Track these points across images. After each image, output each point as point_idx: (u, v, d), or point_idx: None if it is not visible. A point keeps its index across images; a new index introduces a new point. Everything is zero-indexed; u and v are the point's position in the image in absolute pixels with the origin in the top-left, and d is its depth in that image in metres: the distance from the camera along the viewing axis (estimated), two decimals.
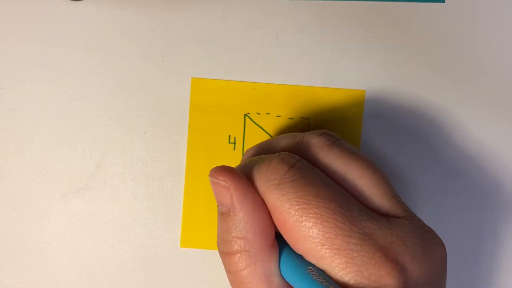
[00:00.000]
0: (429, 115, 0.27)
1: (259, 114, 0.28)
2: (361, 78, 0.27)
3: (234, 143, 0.28)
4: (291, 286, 0.20)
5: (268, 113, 0.28)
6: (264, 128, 0.28)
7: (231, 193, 0.20)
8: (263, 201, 0.20)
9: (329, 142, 0.22)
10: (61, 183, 0.28)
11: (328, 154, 0.21)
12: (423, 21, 0.27)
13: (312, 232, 0.18)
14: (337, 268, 0.18)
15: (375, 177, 0.21)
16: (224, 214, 0.20)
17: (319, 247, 0.18)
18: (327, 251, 0.18)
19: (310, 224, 0.18)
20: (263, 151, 0.24)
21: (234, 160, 0.28)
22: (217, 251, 0.28)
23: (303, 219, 0.19)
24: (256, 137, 0.28)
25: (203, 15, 0.27)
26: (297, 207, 0.19)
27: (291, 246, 0.20)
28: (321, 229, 0.18)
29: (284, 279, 0.20)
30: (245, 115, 0.28)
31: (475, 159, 0.28)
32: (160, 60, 0.27)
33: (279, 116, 0.28)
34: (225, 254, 0.20)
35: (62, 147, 0.28)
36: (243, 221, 0.19)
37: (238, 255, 0.20)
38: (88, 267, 0.28)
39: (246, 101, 0.28)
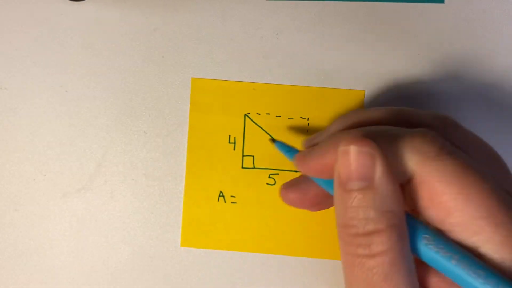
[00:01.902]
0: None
1: (259, 114, 0.28)
2: (361, 78, 0.27)
3: (234, 143, 0.28)
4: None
5: (268, 113, 0.28)
6: (264, 128, 0.28)
7: (377, 163, 0.18)
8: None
9: (458, 123, 0.22)
10: (61, 183, 0.28)
11: (463, 135, 0.21)
12: (423, 21, 0.27)
13: (474, 205, 0.18)
14: (497, 242, 0.17)
15: (502, 164, 0.21)
16: (361, 190, 0.18)
17: (478, 221, 0.18)
18: (488, 224, 0.17)
19: (473, 196, 0.18)
20: (395, 121, 0.22)
21: (234, 160, 0.28)
22: (217, 251, 0.28)
23: (466, 191, 0.18)
24: (256, 137, 0.28)
25: (203, 15, 0.27)
26: (460, 178, 0.18)
27: (438, 221, 0.18)
28: (485, 202, 0.18)
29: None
30: (245, 115, 0.28)
31: None
32: (160, 60, 0.28)
33: (279, 116, 0.28)
34: (366, 236, 0.18)
35: (62, 147, 0.28)
36: (390, 192, 0.18)
37: (389, 230, 0.18)
38: (88, 267, 0.28)
39: (246, 101, 0.28)
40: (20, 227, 0.28)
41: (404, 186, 0.19)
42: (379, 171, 0.18)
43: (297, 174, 0.28)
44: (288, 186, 0.24)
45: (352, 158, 0.18)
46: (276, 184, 0.28)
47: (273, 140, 0.26)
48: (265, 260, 0.28)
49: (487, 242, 0.18)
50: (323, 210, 0.27)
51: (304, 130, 0.28)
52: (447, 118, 0.22)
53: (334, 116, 0.27)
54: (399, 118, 0.22)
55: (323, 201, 0.24)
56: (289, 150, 0.25)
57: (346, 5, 0.27)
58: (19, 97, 0.28)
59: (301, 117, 0.28)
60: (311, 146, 0.23)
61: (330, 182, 0.22)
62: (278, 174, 0.28)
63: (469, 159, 0.19)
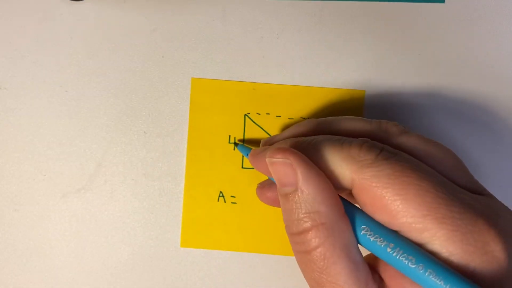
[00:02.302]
0: (429, 115, 0.27)
1: (259, 114, 0.28)
2: (361, 78, 0.27)
3: (234, 143, 0.28)
4: (369, 258, 0.20)
5: (268, 113, 0.28)
6: (264, 128, 0.28)
7: (296, 170, 0.20)
8: (326, 176, 0.20)
9: (406, 129, 0.23)
10: (61, 183, 0.28)
11: (408, 140, 0.22)
12: (423, 21, 0.27)
13: (414, 204, 0.18)
14: (442, 238, 0.18)
15: (456, 160, 0.21)
16: (288, 195, 0.20)
17: (421, 219, 0.18)
18: (431, 221, 0.18)
19: (411, 196, 0.18)
20: (323, 131, 0.24)
21: (234, 160, 0.28)
22: (217, 251, 0.28)
23: (404, 192, 0.18)
24: (256, 137, 0.28)
25: (203, 15, 0.27)
26: (396, 181, 0.19)
27: (387, 224, 0.19)
28: (424, 200, 0.18)
29: (358, 250, 0.20)
30: (245, 115, 0.28)
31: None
32: (160, 60, 0.27)
33: (279, 116, 0.28)
34: (299, 234, 0.20)
35: (62, 147, 0.28)
36: (313, 195, 0.19)
37: (314, 229, 0.19)
38: (88, 267, 0.28)
39: (246, 101, 0.28)
40: (20, 227, 0.28)
41: (352, 193, 0.20)
42: (300, 177, 0.19)
43: None
44: (264, 185, 0.25)
45: (276, 168, 0.20)
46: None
47: (235, 144, 0.27)
48: (265, 260, 0.28)
49: (434, 238, 0.18)
50: None
51: None
52: (392, 125, 0.23)
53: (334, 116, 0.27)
54: (351, 128, 0.24)
55: None
56: (248, 151, 0.26)
57: (346, 5, 0.27)
58: (19, 97, 0.28)
59: (301, 117, 0.28)
60: (267, 145, 0.25)
61: None
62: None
63: (410, 160, 0.20)
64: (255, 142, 0.28)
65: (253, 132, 0.28)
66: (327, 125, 0.24)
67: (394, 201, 0.19)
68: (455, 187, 0.20)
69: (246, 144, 0.27)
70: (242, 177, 0.28)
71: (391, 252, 0.19)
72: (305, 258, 0.20)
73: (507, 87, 0.27)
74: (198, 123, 0.28)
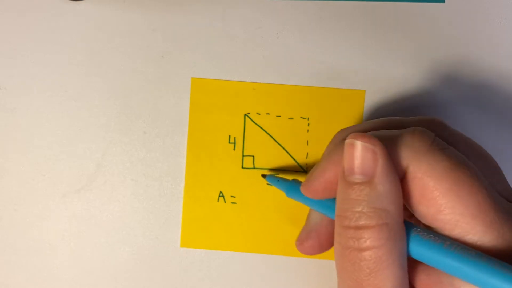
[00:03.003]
0: (429, 115, 0.27)
1: (259, 114, 0.28)
2: (361, 78, 0.27)
3: (234, 143, 0.28)
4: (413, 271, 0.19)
5: (268, 113, 0.28)
6: (264, 128, 0.28)
7: (378, 160, 0.18)
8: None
9: (449, 126, 0.22)
10: (61, 183, 0.28)
11: (453, 136, 0.21)
12: (423, 21, 0.27)
13: (465, 202, 0.17)
14: (488, 243, 0.17)
15: (495, 165, 0.21)
16: (360, 184, 0.18)
17: (469, 219, 0.17)
18: (479, 223, 0.17)
19: (464, 193, 0.18)
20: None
21: (234, 160, 0.28)
22: (217, 251, 0.28)
23: (457, 188, 0.18)
24: (256, 137, 0.28)
25: (203, 15, 0.27)
26: (451, 175, 0.18)
27: (429, 218, 0.18)
28: (476, 200, 0.17)
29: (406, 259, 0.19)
30: (245, 115, 0.28)
31: None
32: (160, 60, 0.27)
33: (279, 116, 0.28)
34: (356, 229, 0.18)
35: (62, 147, 0.28)
36: (387, 191, 0.18)
37: (377, 228, 0.18)
38: (88, 267, 0.28)
39: (246, 101, 0.28)
40: (20, 227, 0.28)
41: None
42: (379, 168, 0.18)
43: (297, 175, 0.28)
44: (301, 239, 0.25)
45: (356, 152, 0.18)
46: None
47: (264, 176, 0.27)
48: (265, 260, 0.28)
49: (478, 242, 0.17)
50: None
51: (304, 130, 0.28)
52: (435, 119, 0.22)
53: (334, 116, 0.27)
54: (389, 127, 0.23)
55: None
56: (279, 181, 0.26)
57: (346, 5, 0.27)
58: (19, 97, 0.28)
59: (301, 117, 0.28)
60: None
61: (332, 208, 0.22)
62: (278, 174, 0.28)
63: (462, 157, 0.19)
64: (258, 142, 0.28)
65: (253, 132, 0.28)
66: (365, 129, 0.23)
67: (446, 195, 0.18)
68: (499, 191, 0.19)
69: (272, 173, 0.27)
70: (242, 177, 0.28)
71: (447, 249, 0.17)
72: (353, 255, 0.18)
73: (507, 87, 0.27)
74: (198, 123, 0.28)
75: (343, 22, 0.27)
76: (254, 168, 0.28)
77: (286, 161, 0.28)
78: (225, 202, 0.28)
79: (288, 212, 0.28)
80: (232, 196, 0.28)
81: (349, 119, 0.27)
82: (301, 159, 0.28)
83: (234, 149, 0.28)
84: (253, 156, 0.28)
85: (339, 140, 0.23)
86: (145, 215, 0.28)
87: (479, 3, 0.27)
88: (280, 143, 0.28)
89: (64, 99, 0.28)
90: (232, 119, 0.28)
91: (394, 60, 0.27)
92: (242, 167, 0.28)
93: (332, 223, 0.22)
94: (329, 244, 0.24)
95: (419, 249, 0.18)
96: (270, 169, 0.28)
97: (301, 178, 0.28)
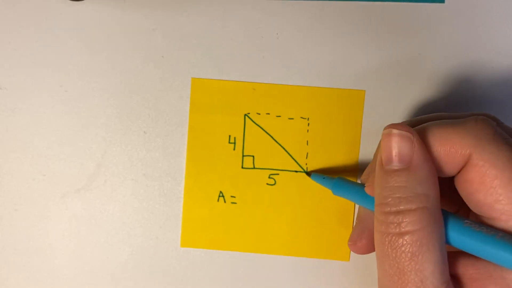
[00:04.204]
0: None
1: (259, 114, 0.28)
2: (361, 78, 0.27)
3: (234, 143, 0.28)
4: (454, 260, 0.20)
5: (268, 113, 0.28)
6: (264, 128, 0.28)
7: (415, 147, 0.19)
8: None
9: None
10: (61, 183, 0.28)
11: (506, 130, 0.21)
12: (423, 21, 0.27)
13: None
14: None
15: None
16: (398, 171, 0.19)
17: None
18: None
19: None
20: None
21: (234, 160, 0.28)
22: (217, 251, 0.28)
23: None
24: (256, 137, 0.28)
25: (203, 15, 0.27)
26: None
27: (485, 207, 0.19)
28: None
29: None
30: (245, 115, 0.28)
31: None
32: (160, 60, 0.27)
33: (279, 116, 0.28)
34: (396, 214, 0.19)
35: (62, 147, 0.28)
36: (426, 176, 0.19)
37: (419, 212, 0.18)
38: (88, 267, 0.28)
39: (246, 101, 0.28)
40: (20, 227, 0.28)
41: (457, 170, 0.20)
42: (416, 155, 0.19)
43: (297, 175, 0.28)
44: (354, 239, 0.25)
45: (393, 141, 0.19)
46: (276, 184, 0.28)
47: (307, 173, 0.27)
48: (265, 260, 0.28)
49: None
50: (323, 211, 0.27)
51: (304, 130, 0.28)
52: (489, 114, 0.22)
53: (334, 116, 0.27)
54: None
55: None
56: (325, 180, 0.26)
57: (346, 5, 0.27)
58: (19, 97, 0.28)
59: (301, 117, 0.28)
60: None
61: None
62: (278, 174, 0.28)
63: None
64: (258, 142, 0.28)
65: (253, 132, 0.28)
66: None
67: (507, 185, 0.18)
68: None
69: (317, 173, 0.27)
70: (242, 177, 0.28)
71: (500, 240, 0.18)
72: (394, 241, 0.19)
73: (507, 87, 0.27)
74: (198, 123, 0.28)
75: (343, 22, 0.27)
76: (254, 168, 0.28)
77: (286, 161, 0.28)
78: (225, 202, 0.28)
79: (288, 212, 0.28)
80: (232, 196, 0.28)
81: (349, 119, 0.27)
82: (301, 159, 0.28)
83: (234, 149, 0.28)
84: (253, 156, 0.28)
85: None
86: (145, 215, 0.28)
87: (479, 3, 0.27)
88: (280, 143, 0.28)
89: (64, 99, 0.28)
90: (232, 119, 0.28)
91: (394, 60, 0.27)
92: (242, 167, 0.28)
93: None
94: None
95: (471, 241, 0.18)
96: (271, 169, 0.28)
97: (301, 178, 0.28)
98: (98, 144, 0.28)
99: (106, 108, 0.28)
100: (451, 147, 0.19)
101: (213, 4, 0.27)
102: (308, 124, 0.28)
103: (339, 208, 0.28)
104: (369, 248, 0.25)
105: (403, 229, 0.18)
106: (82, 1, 0.27)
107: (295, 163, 0.28)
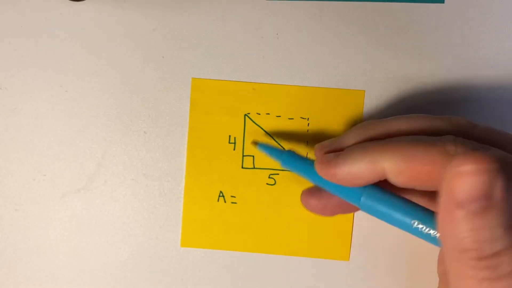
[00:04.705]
0: (429, 115, 0.27)
1: (259, 114, 0.28)
2: (361, 78, 0.27)
3: (234, 143, 0.28)
4: None
5: (268, 113, 0.28)
6: (264, 128, 0.28)
7: (498, 178, 0.17)
8: None
9: (473, 122, 0.22)
10: (61, 183, 0.28)
11: (483, 132, 0.21)
12: (423, 21, 0.27)
13: None
14: None
15: None
16: (484, 210, 0.17)
17: None
18: None
19: None
20: (391, 132, 0.23)
21: (234, 160, 0.28)
22: (217, 251, 0.28)
23: None
24: (256, 137, 0.28)
25: (203, 15, 0.27)
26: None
27: None
28: None
29: None
30: (245, 115, 0.28)
31: None
32: (160, 60, 0.27)
33: (279, 116, 0.28)
34: (493, 257, 0.17)
35: (62, 147, 0.28)
36: (509, 209, 0.17)
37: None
38: (88, 267, 0.28)
39: (246, 101, 0.28)
40: (20, 227, 0.28)
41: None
42: (501, 189, 0.17)
43: (297, 175, 0.28)
44: (311, 193, 0.25)
45: (467, 179, 0.17)
46: (276, 184, 0.28)
47: (255, 143, 0.27)
48: (265, 260, 0.28)
49: None
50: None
51: (304, 130, 0.28)
52: (462, 119, 0.22)
53: (334, 116, 0.27)
54: (422, 129, 0.23)
55: (344, 209, 0.25)
56: (274, 151, 0.26)
57: (346, 5, 0.27)
58: (19, 97, 0.28)
59: (301, 117, 0.28)
60: (330, 152, 0.24)
61: (348, 190, 0.23)
62: (278, 174, 0.28)
63: (503, 154, 0.19)
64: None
65: (253, 132, 0.28)
66: (393, 126, 0.23)
67: None
68: None
69: (262, 142, 0.27)
70: (242, 177, 0.28)
71: None
72: (495, 286, 0.17)
73: (507, 87, 0.27)
74: (198, 123, 0.28)
75: (343, 22, 0.27)
76: (254, 168, 0.28)
77: None
78: (225, 202, 0.28)
79: (288, 212, 0.28)
80: (232, 196, 0.28)
81: (348, 119, 0.27)
82: None
83: (234, 149, 0.28)
84: (253, 156, 0.28)
85: (372, 135, 0.23)
86: (145, 215, 0.28)
87: (479, 3, 0.27)
88: (280, 143, 0.28)
89: (64, 99, 0.28)
90: (232, 119, 0.28)
91: (394, 60, 0.27)
92: (242, 167, 0.28)
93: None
94: (333, 211, 0.25)
95: None
96: (271, 169, 0.28)
97: (301, 178, 0.28)
98: (98, 144, 0.28)
99: (106, 108, 0.28)
100: (435, 168, 0.20)
101: (213, 4, 0.27)
102: (308, 124, 0.28)
103: None
104: (318, 209, 0.25)
105: (504, 271, 0.17)
106: (82, 1, 0.27)
107: None
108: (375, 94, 0.27)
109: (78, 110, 0.28)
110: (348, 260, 0.28)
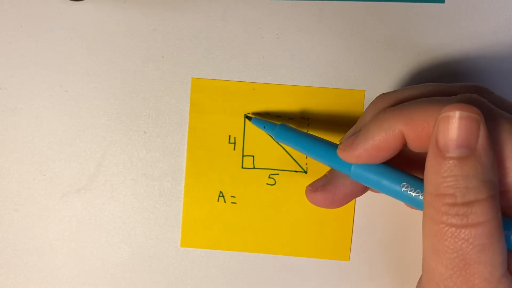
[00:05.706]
0: None
1: (259, 114, 0.28)
2: (361, 78, 0.27)
3: (234, 143, 0.28)
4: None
5: (268, 113, 0.28)
6: None
7: (481, 129, 0.17)
8: None
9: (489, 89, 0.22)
10: (61, 183, 0.28)
11: (497, 99, 0.21)
12: (423, 21, 0.27)
13: None
14: None
15: None
16: (463, 158, 0.17)
17: None
18: None
19: None
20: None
21: (234, 160, 0.28)
22: (217, 251, 0.28)
23: None
24: (256, 137, 0.28)
25: (203, 15, 0.27)
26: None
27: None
28: None
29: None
30: (245, 115, 0.28)
31: None
32: (160, 60, 0.27)
33: (279, 116, 0.28)
34: (464, 205, 0.17)
35: (62, 147, 0.28)
36: (491, 162, 0.17)
37: (488, 201, 0.17)
38: (88, 267, 0.28)
39: (246, 101, 0.28)
40: (20, 227, 0.28)
41: None
42: (483, 140, 0.17)
43: (297, 175, 0.28)
44: (315, 188, 0.24)
45: (456, 125, 0.17)
46: (276, 184, 0.28)
47: (248, 118, 0.27)
48: (265, 260, 0.28)
49: None
50: (323, 211, 0.27)
51: (304, 130, 0.28)
52: (479, 86, 0.22)
53: (334, 116, 0.27)
54: (435, 94, 0.22)
55: (349, 197, 0.24)
56: (267, 124, 0.26)
57: (346, 5, 0.27)
58: (19, 97, 0.28)
59: (301, 117, 0.28)
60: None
61: (339, 160, 0.22)
62: (278, 174, 0.28)
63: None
64: (258, 142, 0.28)
65: (253, 132, 0.28)
66: (406, 93, 0.23)
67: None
68: None
69: (256, 116, 0.27)
70: (242, 177, 0.28)
71: None
72: (462, 233, 0.17)
73: (507, 87, 0.27)
74: (198, 123, 0.28)
75: (343, 22, 0.27)
76: (254, 168, 0.28)
77: (286, 161, 0.28)
78: (225, 202, 0.28)
79: (288, 212, 0.28)
80: (232, 196, 0.28)
81: (348, 119, 0.27)
82: (301, 159, 0.28)
83: (234, 149, 0.28)
84: (253, 156, 0.28)
85: (385, 106, 0.22)
86: (145, 215, 0.28)
87: (479, 3, 0.27)
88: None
89: (64, 99, 0.28)
90: (232, 119, 0.28)
91: (394, 60, 0.27)
92: (242, 167, 0.28)
93: (348, 179, 0.23)
94: (340, 202, 0.24)
95: None
96: (271, 169, 0.28)
97: (301, 178, 0.28)
98: (98, 144, 0.28)
99: (106, 108, 0.28)
100: None
101: (213, 4, 0.27)
102: (308, 124, 0.28)
103: (339, 208, 0.28)
104: (327, 203, 0.24)
105: (472, 221, 0.17)
106: (82, 1, 0.27)
107: (295, 163, 0.28)
108: (375, 94, 0.27)
109: (78, 110, 0.28)
110: (348, 260, 0.28)
